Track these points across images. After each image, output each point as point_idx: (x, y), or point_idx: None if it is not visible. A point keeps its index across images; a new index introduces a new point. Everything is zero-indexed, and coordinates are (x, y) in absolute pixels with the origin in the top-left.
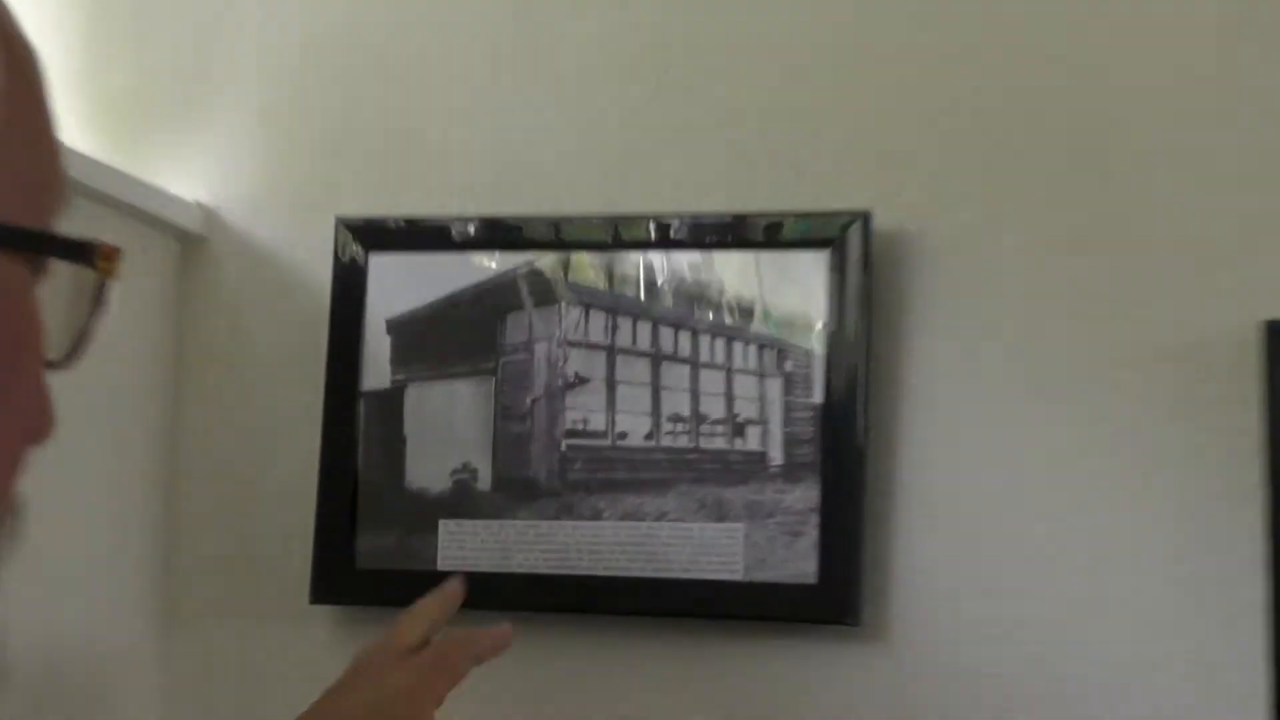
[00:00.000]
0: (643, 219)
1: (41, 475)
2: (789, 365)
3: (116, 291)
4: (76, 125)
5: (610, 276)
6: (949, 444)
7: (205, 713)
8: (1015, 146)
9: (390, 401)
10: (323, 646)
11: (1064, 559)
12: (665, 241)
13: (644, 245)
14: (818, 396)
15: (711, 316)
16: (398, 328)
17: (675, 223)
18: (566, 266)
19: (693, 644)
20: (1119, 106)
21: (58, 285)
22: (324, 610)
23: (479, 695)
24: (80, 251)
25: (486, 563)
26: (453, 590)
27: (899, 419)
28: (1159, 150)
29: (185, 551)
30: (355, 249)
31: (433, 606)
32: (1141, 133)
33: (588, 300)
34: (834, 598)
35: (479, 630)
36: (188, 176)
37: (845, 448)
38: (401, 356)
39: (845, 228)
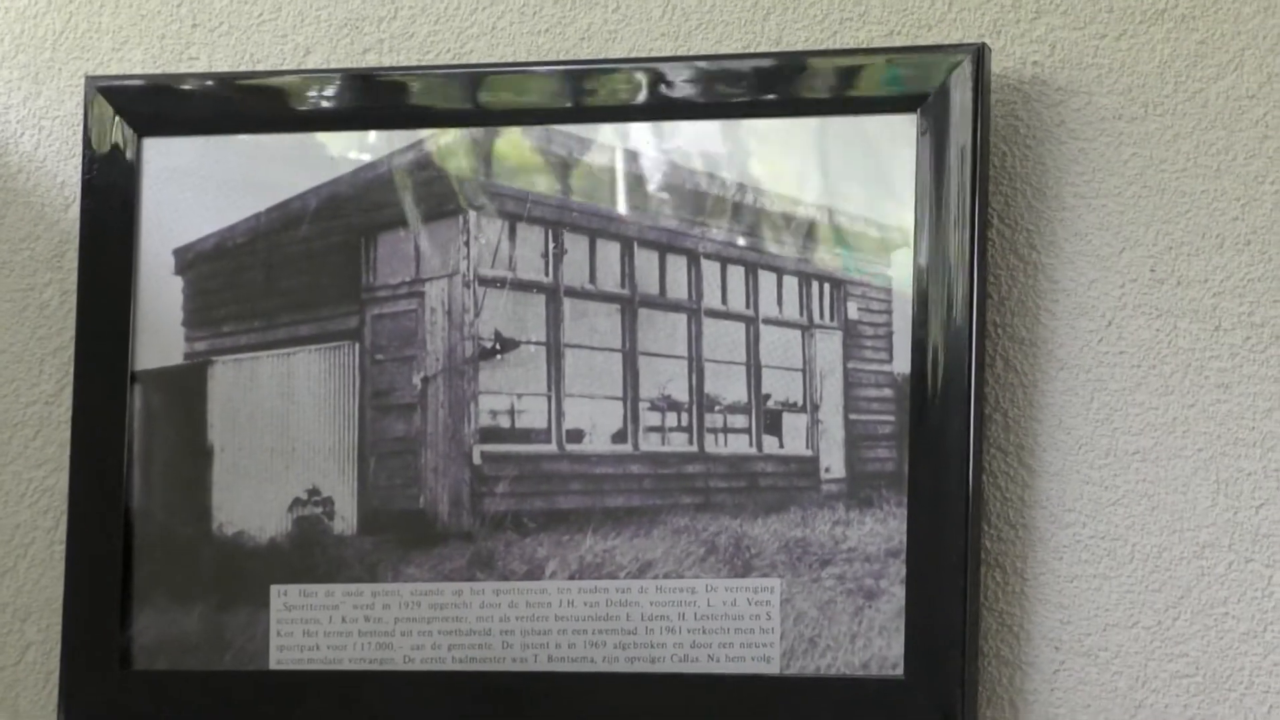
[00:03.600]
0: (615, 69)
1: None
2: (853, 310)
3: None
4: None
5: (555, 166)
6: (1120, 438)
7: None
8: None
9: (183, 388)
10: None
11: None
12: (651, 106)
13: (615, 113)
14: (901, 362)
15: (723, 230)
16: (194, 263)
17: (669, 74)
18: (480, 151)
19: None
20: None
21: None
22: None
23: None
24: None
25: (352, 657)
26: None
27: (1036, 398)
28: None
29: None
30: (120, 131)
31: None
32: None
33: (514, 208)
34: (932, 698)
35: None
36: None
37: (947, 448)
38: (201, 312)
39: (946, 74)
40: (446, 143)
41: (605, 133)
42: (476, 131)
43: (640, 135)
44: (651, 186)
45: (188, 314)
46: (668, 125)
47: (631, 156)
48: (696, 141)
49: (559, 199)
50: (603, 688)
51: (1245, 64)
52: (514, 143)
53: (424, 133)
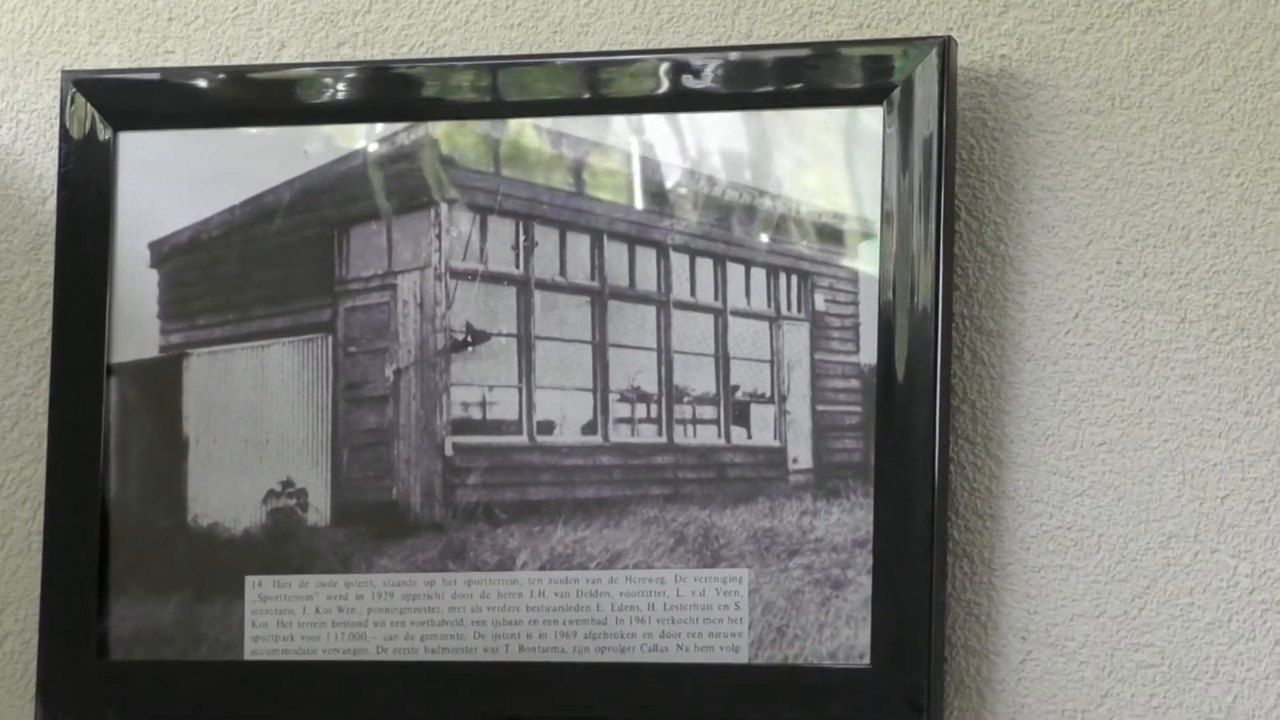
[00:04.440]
0: (590, 63)
1: None
2: (820, 300)
3: None
4: None
5: (521, 159)
6: (1087, 429)
7: None
8: None
9: (159, 381)
10: None
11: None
12: (621, 100)
13: (586, 106)
14: (868, 353)
15: (691, 222)
16: (169, 256)
17: (636, 68)
18: (449, 144)
19: None
20: None
21: None
22: None
23: None
24: None
25: (326, 647)
26: None
27: (1004, 390)
28: None
29: None
30: (96, 126)
31: None
32: None
33: (484, 201)
34: (899, 687)
35: None
36: None
37: (913, 439)
38: (177, 305)
39: (911, 67)
40: (420, 135)
41: (574, 124)
42: (441, 125)
43: (607, 127)
44: (622, 179)
45: (163, 307)
46: (635, 118)
47: (598, 145)
48: (663, 134)
49: (526, 192)
50: (573, 677)
51: (1211, 57)
52: (474, 135)
53: (397, 126)
